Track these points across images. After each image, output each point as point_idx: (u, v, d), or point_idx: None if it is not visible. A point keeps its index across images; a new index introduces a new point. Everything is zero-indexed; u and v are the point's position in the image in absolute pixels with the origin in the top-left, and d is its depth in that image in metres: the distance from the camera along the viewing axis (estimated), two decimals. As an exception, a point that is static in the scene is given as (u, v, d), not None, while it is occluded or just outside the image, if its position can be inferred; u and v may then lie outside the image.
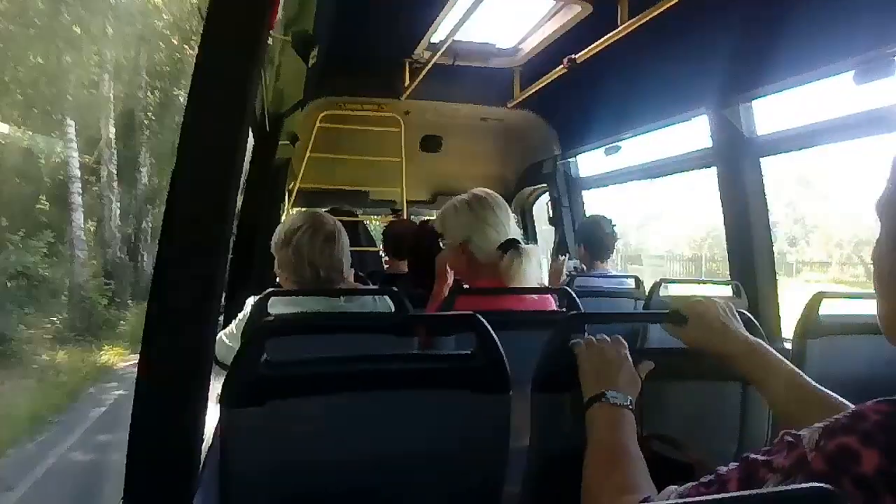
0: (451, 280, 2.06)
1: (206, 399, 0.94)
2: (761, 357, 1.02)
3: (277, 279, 1.94)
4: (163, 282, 0.90)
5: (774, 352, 1.03)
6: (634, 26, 2.10)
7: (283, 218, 3.91)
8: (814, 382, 0.95)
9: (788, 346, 1.60)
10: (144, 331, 0.90)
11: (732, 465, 0.64)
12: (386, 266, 3.65)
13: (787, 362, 1.01)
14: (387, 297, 1.83)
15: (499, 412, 1.08)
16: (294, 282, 1.84)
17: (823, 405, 0.90)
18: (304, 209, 4.26)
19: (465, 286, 1.96)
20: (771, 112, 2.36)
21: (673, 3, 1.93)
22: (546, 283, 2.73)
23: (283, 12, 1.80)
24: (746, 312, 1.16)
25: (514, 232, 1.93)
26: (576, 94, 3.09)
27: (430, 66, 2.87)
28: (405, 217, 3.91)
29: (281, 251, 1.84)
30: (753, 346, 1.03)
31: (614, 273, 3.05)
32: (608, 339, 1.10)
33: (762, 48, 2.04)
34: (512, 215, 1.95)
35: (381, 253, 3.97)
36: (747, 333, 1.07)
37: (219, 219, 0.91)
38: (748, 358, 1.03)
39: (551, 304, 1.95)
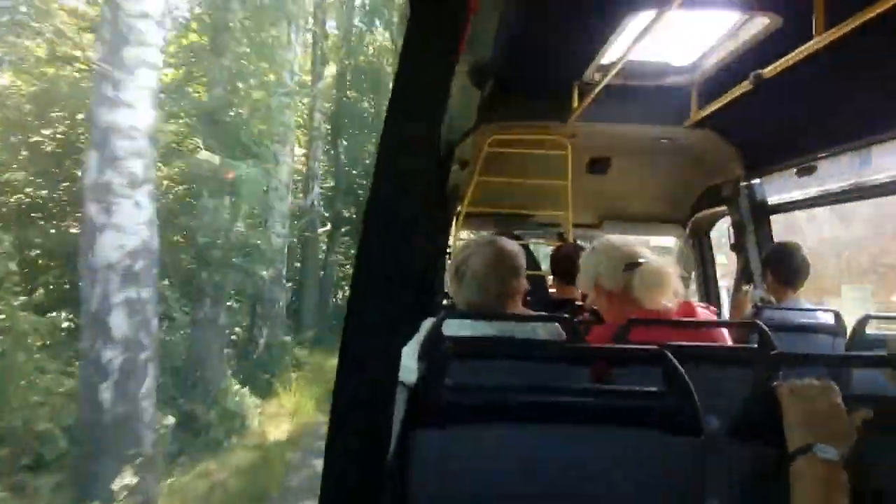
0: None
1: (391, 419, 0.95)
2: None
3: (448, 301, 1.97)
4: (357, 306, 0.92)
5: None
6: (832, 37, 1.88)
7: (451, 242, 4.04)
8: None
9: None
10: (339, 355, 0.93)
11: None
12: (552, 291, 3.60)
13: None
14: (557, 325, 1.79)
15: (691, 457, 1.01)
16: (466, 304, 1.86)
17: None
18: (480, 233, 4.36)
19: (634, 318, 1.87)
20: None
21: (879, 10, 1.71)
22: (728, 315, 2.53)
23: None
24: None
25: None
26: (762, 111, 2.85)
27: (600, 87, 2.81)
28: (571, 241, 3.84)
29: (457, 273, 1.87)
30: None
31: (808, 305, 2.75)
32: (816, 382, 0.99)
33: None
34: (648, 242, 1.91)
35: (546, 278, 3.93)
36: None
37: (408, 244, 0.93)
38: None
39: (725, 337, 1.86)
